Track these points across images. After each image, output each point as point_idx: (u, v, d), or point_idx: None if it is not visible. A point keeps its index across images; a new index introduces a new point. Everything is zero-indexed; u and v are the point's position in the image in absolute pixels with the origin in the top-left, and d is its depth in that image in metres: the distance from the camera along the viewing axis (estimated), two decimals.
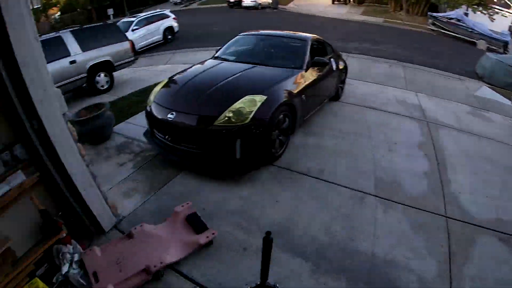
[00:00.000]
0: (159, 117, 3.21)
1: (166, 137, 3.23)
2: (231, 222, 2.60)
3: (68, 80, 5.62)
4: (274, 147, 3.30)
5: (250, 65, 3.86)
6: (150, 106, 3.43)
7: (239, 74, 3.62)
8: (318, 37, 4.88)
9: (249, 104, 2.99)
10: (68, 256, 2.25)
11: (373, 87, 6.55)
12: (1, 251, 1.84)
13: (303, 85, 3.73)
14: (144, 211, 2.77)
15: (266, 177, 3.19)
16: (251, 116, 2.91)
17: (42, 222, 2.18)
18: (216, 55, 4.51)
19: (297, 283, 2.08)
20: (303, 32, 4.98)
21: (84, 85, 6.08)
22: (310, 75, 3.96)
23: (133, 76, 7.58)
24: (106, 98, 5.95)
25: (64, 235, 2.27)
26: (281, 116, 3.24)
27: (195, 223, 2.51)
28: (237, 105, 2.97)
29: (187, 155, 3.15)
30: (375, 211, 2.79)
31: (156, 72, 7.79)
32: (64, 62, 5.53)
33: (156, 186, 3.07)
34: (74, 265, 2.23)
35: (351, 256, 2.31)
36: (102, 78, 6.24)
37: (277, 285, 1.69)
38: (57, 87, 5.42)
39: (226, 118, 2.89)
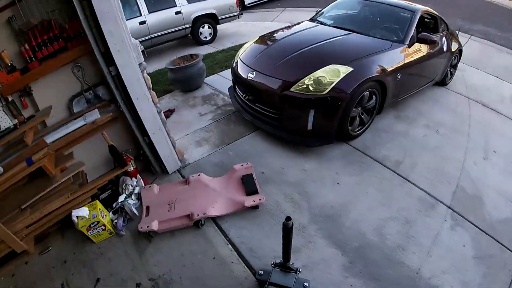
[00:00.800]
0: (241, 74, 3.19)
1: (244, 95, 3.22)
2: (284, 193, 2.50)
3: (173, 29, 6.12)
4: (353, 125, 2.95)
5: (345, 32, 3.39)
6: (236, 62, 3.45)
7: (330, 40, 3.23)
8: (431, 10, 3.90)
9: (332, 74, 2.67)
10: (130, 187, 2.60)
11: (488, 80, 5.02)
12: (74, 173, 2.22)
13: (401, 63, 3.10)
14: (208, 162, 2.92)
15: (336, 155, 2.89)
16: (330, 87, 2.60)
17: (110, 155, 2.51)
18: (313, 17, 4.12)
19: (323, 273, 1.90)
20: (420, 3, 4.05)
21: (189, 35, 6.52)
22: (412, 52, 3.26)
23: (237, 31, 7.74)
24: (207, 49, 6.31)
25: (132, 168, 2.61)
26: (367, 92, 2.83)
27: (248, 184, 2.52)
28: (318, 73, 2.69)
29: (261, 116, 3.11)
30: (442, 225, 2.26)
31: (259, 29, 7.69)
32: (170, 12, 5.99)
33: (226, 141, 3.17)
34: (133, 196, 2.55)
35: (393, 267, 1.97)
36: (205, 29, 6.57)
37: (300, 270, 1.57)
38: (162, 35, 6.07)
39: (304, 86, 2.67)
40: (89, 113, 2.28)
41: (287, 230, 1.35)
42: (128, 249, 2.18)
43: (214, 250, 2.09)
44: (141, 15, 5.74)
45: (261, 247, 2.07)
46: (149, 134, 2.49)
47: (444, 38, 3.96)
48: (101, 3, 1.90)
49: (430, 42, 3.34)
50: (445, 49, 3.93)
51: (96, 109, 2.33)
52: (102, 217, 2.18)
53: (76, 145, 2.36)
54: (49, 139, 2.14)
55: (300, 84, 2.67)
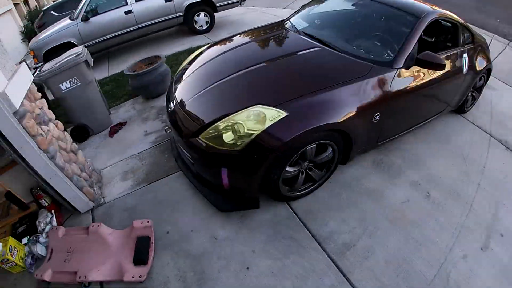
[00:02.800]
0: (168, 98, 2.64)
1: (167, 127, 2.70)
2: (179, 268, 2.03)
3: (163, 18, 5.57)
4: (295, 183, 2.25)
5: (311, 45, 2.51)
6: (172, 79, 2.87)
7: (280, 60, 2.43)
8: (449, 13, 2.78)
9: (255, 120, 1.92)
10: (42, 225, 2.43)
11: None
12: None
13: (383, 97, 2.20)
14: (122, 204, 2.55)
15: (265, 221, 2.25)
16: (248, 140, 1.88)
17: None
18: (289, 16, 3.29)
19: None
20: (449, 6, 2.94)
21: (182, 23, 5.95)
22: (406, 80, 2.33)
23: (240, 18, 6.96)
24: (200, 40, 5.73)
25: (47, 204, 2.48)
26: (313, 146, 2.07)
27: (139, 250, 2.11)
28: (239, 117, 1.96)
29: (182, 157, 2.58)
30: None
31: (268, 17, 6.87)
32: (159, 1, 5.40)
33: (150, 178, 2.74)
34: (44, 234, 2.38)
35: None
36: (201, 18, 5.93)
37: None
38: (151, 24, 5.58)
39: (216, 133, 1.98)
40: None
41: None
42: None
43: None
44: (126, 4, 5.28)
45: None
46: (45, 179, 2.23)
47: (465, 55, 2.93)
48: None
49: (435, 67, 2.30)
50: (465, 70, 2.91)
51: None
52: (12, 254, 2.17)
53: None
54: None
55: (211, 131, 2.00)
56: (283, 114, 1.92)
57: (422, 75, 2.46)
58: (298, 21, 3.03)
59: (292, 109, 1.95)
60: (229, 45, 2.86)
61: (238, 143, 1.92)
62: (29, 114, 2.04)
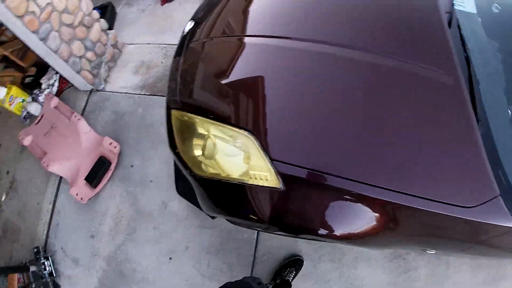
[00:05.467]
0: None
1: None
2: (120, 208, 1.92)
3: None
4: None
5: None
6: None
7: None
8: None
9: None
10: (44, 85, 2.45)
11: None
12: None
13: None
14: (115, 103, 2.30)
15: (224, 229, 1.75)
16: None
17: None
18: None
19: None
20: None
21: None
22: None
23: None
24: None
25: None
26: None
27: (95, 170, 2.00)
28: None
29: None
30: None
31: None
32: None
33: (156, 89, 2.29)
34: (43, 95, 2.39)
35: None
36: None
37: None
38: None
39: None
40: None
41: None
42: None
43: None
44: None
45: None
46: (40, 56, 1.99)
47: None
48: None
49: None
50: None
51: None
52: (11, 104, 2.30)
53: None
54: None
55: None
56: None
57: None
58: None
59: None
60: None
61: None
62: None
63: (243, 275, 1.53)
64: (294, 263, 1.57)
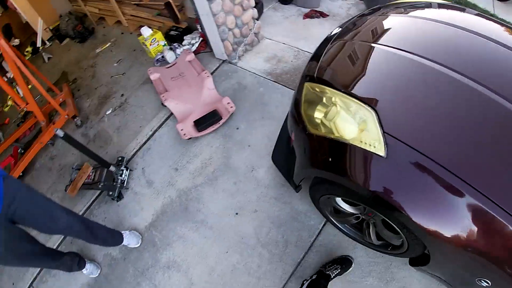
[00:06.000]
0: None
1: None
2: (212, 157, 1.98)
3: None
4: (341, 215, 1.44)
5: None
6: None
7: None
8: None
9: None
10: (186, 41, 2.78)
11: None
12: None
13: None
14: (242, 77, 2.47)
15: (300, 210, 1.71)
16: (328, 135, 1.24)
17: None
18: None
19: None
20: None
21: None
22: None
23: None
24: None
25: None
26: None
27: (206, 118, 2.12)
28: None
29: None
30: None
31: None
32: None
33: (281, 79, 2.40)
34: (181, 49, 2.71)
35: None
36: None
37: None
38: None
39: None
40: None
41: None
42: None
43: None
44: None
45: None
46: (199, 13, 2.29)
47: None
48: None
49: None
50: None
51: None
52: (151, 44, 2.71)
53: None
54: None
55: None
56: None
57: None
58: None
59: None
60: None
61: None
62: None
63: (295, 255, 1.57)
64: (342, 261, 1.50)
